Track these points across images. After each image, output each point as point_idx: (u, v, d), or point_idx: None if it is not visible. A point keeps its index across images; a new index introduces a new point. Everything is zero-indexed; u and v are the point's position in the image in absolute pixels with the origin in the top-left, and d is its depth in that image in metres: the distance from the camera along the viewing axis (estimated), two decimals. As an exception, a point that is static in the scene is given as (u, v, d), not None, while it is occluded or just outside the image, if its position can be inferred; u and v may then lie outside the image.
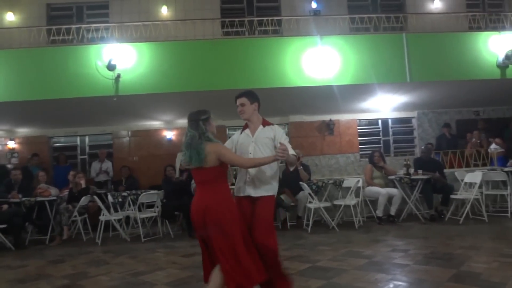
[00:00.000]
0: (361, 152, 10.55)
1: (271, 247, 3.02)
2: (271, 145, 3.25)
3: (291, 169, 3.37)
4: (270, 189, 3.19)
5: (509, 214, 6.57)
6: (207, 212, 2.88)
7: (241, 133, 3.42)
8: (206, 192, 2.96)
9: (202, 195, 2.98)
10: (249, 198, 3.17)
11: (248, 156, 3.21)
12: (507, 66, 7.98)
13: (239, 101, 3.33)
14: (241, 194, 3.21)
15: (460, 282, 3.43)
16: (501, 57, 7.83)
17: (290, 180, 7.05)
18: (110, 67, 6.98)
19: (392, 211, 6.80)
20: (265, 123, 3.40)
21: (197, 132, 2.97)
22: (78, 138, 10.34)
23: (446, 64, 7.84)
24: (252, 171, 3.16)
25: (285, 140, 3.22)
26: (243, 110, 3.33)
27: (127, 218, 7.18)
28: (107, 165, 9.16)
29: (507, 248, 4.52)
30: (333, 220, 6.61)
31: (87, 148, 10.36)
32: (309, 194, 6.57)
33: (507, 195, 6.71)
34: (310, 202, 6.66)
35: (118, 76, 7.09)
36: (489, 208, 7.13)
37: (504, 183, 7.08)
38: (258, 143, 3.24)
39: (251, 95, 3.36)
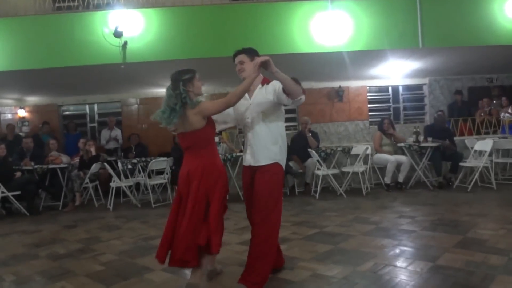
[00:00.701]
0: (370, 120, 10.48)
1: (266, 230, 2.79)
2: (273, 107, 2.94)
3: (293, 99, 2.84)
4: (269, 157, 2.89)
5: (518, 182, 6.55)
6: (189, 178, 2.78)
7: None
8: (190, 157, 2.85)
9: (186, 161, 2.87)
10: (249, 168, 2.99)
11: (246, 122, 2.96)
12: (524, 31, 7.73)
13: (237, 59, 3.02)
14: (245, 164, 3.05)
15: (466, 248, 3.46)
16: (517, 21, 7.57)
17: (299, 147, 7.07)
18: (117, 34, 6.90)
19: (400, 178, 6.81)
20: (264, 82, 3.01)
21: (174, 92, 2.81)
22: (87, 106, 10.38)
23: (460, 30, 7.60)
24: (249, 135, 2.94)
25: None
26: (242, 68, 2.98)
27: (137, 184, 7.31)
28: (116, 132, 9.22)
29: (515, 215, 4.54)
30: (341, 187, 6.65)
31: (96, 116, 10.41)
32: (318, 161, 6.59)
33: (517, 163, 6.67)
34: (318, 169, 6.69)
35: (125, 43, 7.02)
36: (498, 176, 7.10)
37: (514, 151, 7.02)
38: (256, 106, 2.93)
39: (250, 51, 3.02)
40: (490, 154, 6.57)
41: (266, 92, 2.94)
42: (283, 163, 2.97)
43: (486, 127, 8.66)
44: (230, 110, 2.98)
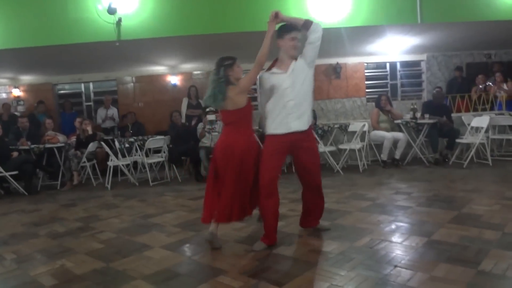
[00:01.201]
0: (367, 96, 10.44)
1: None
2: (311, 75, 3.30)
3: (307, 30, 3.27)
4: (309, 122, 3.27)
5: (514, 158, 6.59)
6: (233, 150, 3.17)
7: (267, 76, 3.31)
8: (231, 132, 3.26)
9: (227, 135, 3.28)
10: (291, 134, 3.19)
11: (286, 92, 3.18)
12: (524, 6, 7.63)
13: (293, 34, 3.25)
14: (286, 131, 3.19)
15: (460, 224, 3.51)
16: (518, -4, 7.46)
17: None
18: (111, 11, 6.77)
19: (397, 155, 6.84)
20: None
21: (217, 77, 3.22)
22: (83, 85, 10.28)
23: (459, 5, 7.49)
24: (291, 103, 3.17)
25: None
26: (297, 45, 3.25)
27: (135, 163, 7.32)
28: (113, 111, 9.16)
29: (509, 191, 4.58)
30: (338, 164, 6.69)
31: (92, 94, 10.32)
32: (315, 138, 6.59)
33: (514, 139, 6.70)
34: (315, 147, 6.69)
35: (120, 20, 6.89)
36: (494, 152, 7.14)
37: (511, 127, 7.03)
38: (295, 76, 3.20)
39: (301, 28, 3.27)
40: (487, 131, 6.59)
41: (300, 63, 3.26)
42: None
43: (483, 104, 8.65)
44: (268, 87, 3.28)
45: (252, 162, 3.24)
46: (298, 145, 3.26)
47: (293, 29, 3.26)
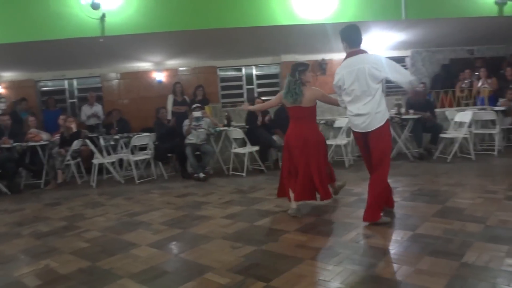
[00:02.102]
0: (353, 92, 10.49)
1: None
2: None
3: None
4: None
5: (495, 153, 6.71)
6: (308, 139, 3.92)
7: None
8: (303, 125, 3.99)
9: (300, 127, 3.98)
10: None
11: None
12: (505, 3, 7.76)
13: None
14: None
15: (444, 217, 3.56)
16: (500, -7, 7.59)
17: (282, 120, 7.05)
18: (94, 6, 6.66)
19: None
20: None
21: (293, 78, 3.96)
22: (66, 82, 10.12)
23: (442, 1, 7.57)
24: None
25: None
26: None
27: (121, 160, 7.24)
28: (97, 108, 9.04)
29: (491, 185, 4.67)
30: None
31: (75, 91, 10.16)
32: (301, 135, 6.62)
33: (495, 134, 6.81)
34: (301, 143, 6.72)
35: (104, 15, 6.79)
36: (476, 146, 7.26)
37: (493, 122, 7.15)
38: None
39: (340, 34, 3.90)
40: (470, 126, 6.70)
41: None
42: None
43: (466, 99, 8.78)
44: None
45: (324, 151, 4.14)
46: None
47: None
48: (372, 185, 3.56)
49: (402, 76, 3.76)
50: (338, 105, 3.95)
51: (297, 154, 3.95)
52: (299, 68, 3.99)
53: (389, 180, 5.32)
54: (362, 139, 3.65)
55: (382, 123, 3.54)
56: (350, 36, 3.82)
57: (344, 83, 3.61)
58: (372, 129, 3.51)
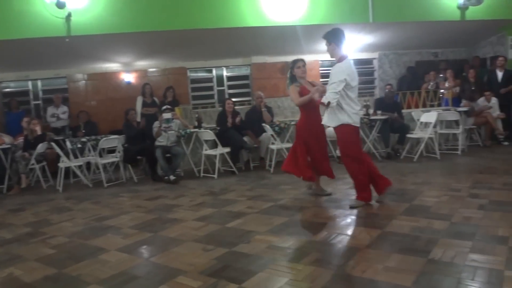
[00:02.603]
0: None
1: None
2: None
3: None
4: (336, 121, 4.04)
5: (459, 152, 6.95)
6: (317, 128, 4.60)
7: None
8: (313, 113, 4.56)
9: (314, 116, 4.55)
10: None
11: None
12: (467, 8, 8.08)
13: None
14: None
15: (412, 215, 3.66)
16: (462, -2, 7.92)
17: (253, 122, 7.09)
18: (59, 5, 6.49)
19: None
20: (338, 61, 4.06)
21: (289, 74, 4.53)
22: (30, 83, 9.76)
23: (408, 5, 7.82)
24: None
25: (329, 85, 3.90)
26: (327, 49, 4.13)
27: (88, 164, 7.05)
28: (63, 110, 8.79)
29: (456, 183, 4.84)
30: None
31: (40, 93, 9.82)
32: (272, 135, 6.65)
33: (459, 133, 7.06)
34: (272, 143, 6.76)
35: (69, 15, 6.62)
36: (441, 146, 7.50)
37: (456, 122, 7.42)
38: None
39: (327, 36, 4.05)
40: (435, 126, 6.91)
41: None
42: None
43: (431, 100, 9.06)
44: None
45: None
46: None
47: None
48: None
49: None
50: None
51: (314, 138, 4.58)
52: (291, 65, 4.57)
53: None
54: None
55: None
56: (342, 39, 4.10)
57: (352, 81, 3.95)
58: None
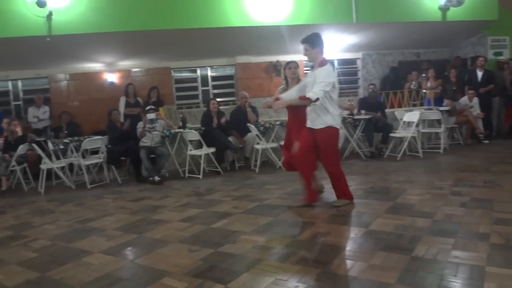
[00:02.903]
0: (307, 94, 10.68)
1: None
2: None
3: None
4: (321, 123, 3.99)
5: (441, 151, 7.07)
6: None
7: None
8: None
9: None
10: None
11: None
12: (448, 9, 8.22)
13: (303, 46, 4.05)
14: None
15: (395, 213, 3.71)
16: (443, -1, 8.05)
17: (238, 121, 7.08)
18: (40, 4, 6.38)
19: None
20: (320, 65, 3.97)
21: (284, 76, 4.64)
22: (10, 83, 9.57)
23: (391, 5, 7.93)
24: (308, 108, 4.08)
25: (318, 83, 3.79)
26: (306, 54, 4.07)
27: (71, 165, 6.95)
28: (45, 110, 8.64)
29: (438, 181, 4.91)
30: (280, 160, 6.78)
31: (20, 93, 9.64)
32: (257, 135, 6.65)
33: (441, 132, 7.18)
34: (257, 143, 6.77)
35: (50, 13, 6.52)
36: (424, 145, 7.61)
37: (439, 121, 7.54)
38: (308, 85, 3.97)
39: (312, 40, 4.00)
40: (417, 125, 7.02)
41: (311, 75, 4.04)
42: None
43: (414, 100, 9.20)
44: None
45: None
46: None
47: (301, 43, 4.09)
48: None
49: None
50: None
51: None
52: (284, 66, 4.71)
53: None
54: None
55: None
56: (322, 43, 4.08)
57: (335, 84, 4.05)
58: None
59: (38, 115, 8.48)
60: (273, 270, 2.65)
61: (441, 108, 7.56)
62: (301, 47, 4.15)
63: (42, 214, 4.82)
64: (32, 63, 8.83)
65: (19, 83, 9.60)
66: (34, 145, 6.48)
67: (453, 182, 4.82)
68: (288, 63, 4.63)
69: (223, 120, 6.94)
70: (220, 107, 7.36)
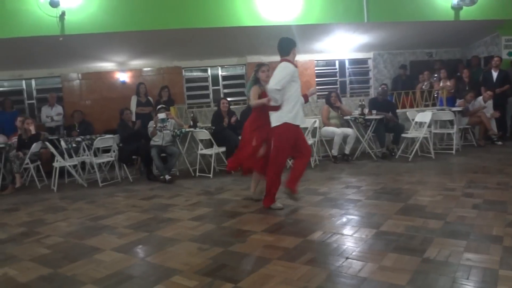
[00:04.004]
0: (318, 93, 10.65)
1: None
2: None
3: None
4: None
5: (453, 151, 7.00)
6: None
7: None
8: None
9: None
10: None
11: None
12: (461, 8, 8.13)
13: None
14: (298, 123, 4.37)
15: (407, 214, 3.68)
16: (456, -2, 7.97)
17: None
18: (53, 4, 6.45)
19: (347, 150, 7.05)
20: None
21: (253, 76, 4.67)
22: (24, 82, 9.71)
23: (402, 5, 7.86)
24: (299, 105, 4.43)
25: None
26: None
27: (83, 163, 7.02)
28: (58, 109, 8.74)
29: (450, 183, 4.86)
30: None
31: (34, 92, 9.78)
32: (267, 135, 6.64)
33: (453, 133, 7.10)
34: (268, 144, 6.75)
35: (63, 13, 6.59)
36: (436, 146, 7.54)
37: (451, 122, 7.46)
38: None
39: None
40: (429, 125, 6.95)
41: None
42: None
43: (426, 100, 9.12)
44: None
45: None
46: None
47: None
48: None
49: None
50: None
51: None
52: (256, 68, 4.68)
53: (353, 179, 5.49)
54: None
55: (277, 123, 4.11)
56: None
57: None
58: None
59: (51, 114, 8.58)
60: (283, 270, 2.65)
61: (454, 109, 7.48)
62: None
63: (54, 211, 4.88)
64: (45, 63, 8.94)
65: (33, 82, 9.73)
66: (47, 144, 6.57)
67: (466, 183, 4.76)
68: (261, 65, 4.69)
69: (233, 119, 6.95)
70: (231, 107, 7.37)
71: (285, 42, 4.47)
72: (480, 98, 7.88)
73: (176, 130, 6.79)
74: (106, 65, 9.57)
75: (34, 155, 6.77)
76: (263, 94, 4.44)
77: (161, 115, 6.46)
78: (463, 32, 9.17)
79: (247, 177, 6.35)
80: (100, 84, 9.63)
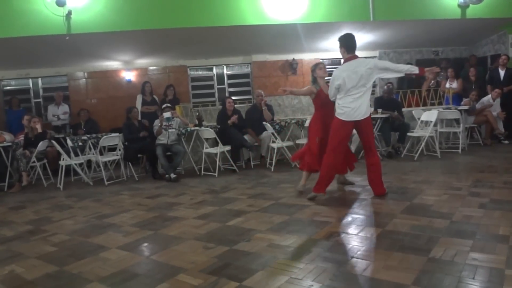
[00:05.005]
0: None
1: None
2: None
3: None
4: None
5: (459, 151, 6.96)
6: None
7: None
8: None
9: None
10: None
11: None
12: (468, 6, 8.07)
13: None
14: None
15: (412, 214, 3.66)
16: (463, -4, 7.91)
17: (254, 120, 7.09)
18: (60, 3, 6.48)
19: (352, 149, 7.01)
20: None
21: (312, 77, 4.94)
22: (31, 81, 9.78)
23: (408, 3, 7.81)
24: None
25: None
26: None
27: (89, 162, 7.06)
28: (64, 108, 8.79)
29: (456, 182, 4.84)
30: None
31: (41, 91, 9.84)
32: (272, 134, 6.65)
33: (459, 132, 7.06)
34: (273, 142, 6.76)
35: (69, 13, 6.62)
36: (442, 145, 7.50)
37: (457, 121, 7.41)
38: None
39: (339, 40, 4.44)
40: (435, 124, 6.91)
41: None
42: None
43: (432, 99, 9.07)
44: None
45: None
46: None
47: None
48: (378, 166, 4.44)
49: (392, 73, 4.39)
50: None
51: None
52: (313, 67, 4.93)
53: (358, 178, 5.47)
54: (352, 127, 4.31)
55: (368, 114, 4.26)
56: (347, 42, 4.41)
57: (345, 83, 4.20)
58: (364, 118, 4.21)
59: (58, 113, 8.63)
60: (288, 269, 2.65)
61: (460, 108, 7.43)
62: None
63: (61, 210, 4.91)
64: (51, 61, 9.00)
65: (39, 81, 9.80)
66: (54, 142, 6.61)
67: (472, 182, 4.74)
68: (318, 64, 4.92)
69: (234, 117, 6.94)
70: (236, 106, 7.38)
71: (355, 40, 4.52)
72: (488, 96, 7.81)
73: (181, 129, 6.81)
74: (112, 64, 9.61)
75: (41, 153, 6.81)
76: (320, 91, 4.74)
77: (167, 114, 6.47)
78: (469, 30, 9.10)
79: (252, 176, 6.38)
80: (106, 83, 9.67)
